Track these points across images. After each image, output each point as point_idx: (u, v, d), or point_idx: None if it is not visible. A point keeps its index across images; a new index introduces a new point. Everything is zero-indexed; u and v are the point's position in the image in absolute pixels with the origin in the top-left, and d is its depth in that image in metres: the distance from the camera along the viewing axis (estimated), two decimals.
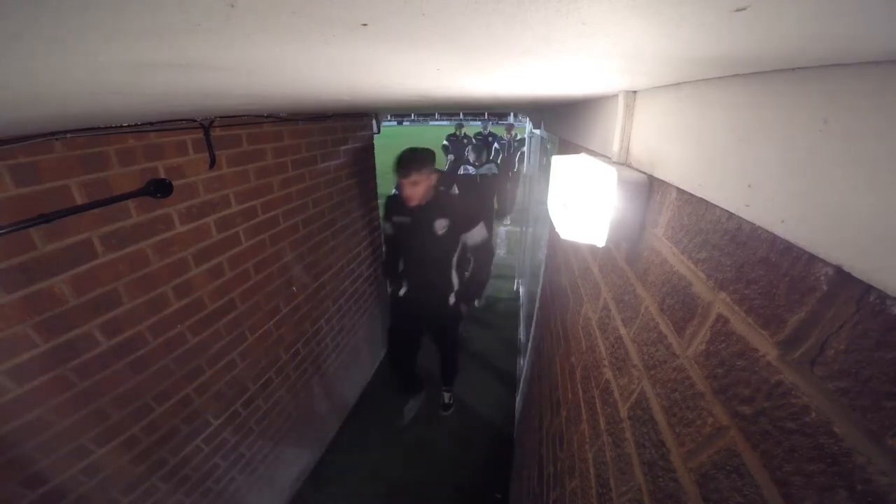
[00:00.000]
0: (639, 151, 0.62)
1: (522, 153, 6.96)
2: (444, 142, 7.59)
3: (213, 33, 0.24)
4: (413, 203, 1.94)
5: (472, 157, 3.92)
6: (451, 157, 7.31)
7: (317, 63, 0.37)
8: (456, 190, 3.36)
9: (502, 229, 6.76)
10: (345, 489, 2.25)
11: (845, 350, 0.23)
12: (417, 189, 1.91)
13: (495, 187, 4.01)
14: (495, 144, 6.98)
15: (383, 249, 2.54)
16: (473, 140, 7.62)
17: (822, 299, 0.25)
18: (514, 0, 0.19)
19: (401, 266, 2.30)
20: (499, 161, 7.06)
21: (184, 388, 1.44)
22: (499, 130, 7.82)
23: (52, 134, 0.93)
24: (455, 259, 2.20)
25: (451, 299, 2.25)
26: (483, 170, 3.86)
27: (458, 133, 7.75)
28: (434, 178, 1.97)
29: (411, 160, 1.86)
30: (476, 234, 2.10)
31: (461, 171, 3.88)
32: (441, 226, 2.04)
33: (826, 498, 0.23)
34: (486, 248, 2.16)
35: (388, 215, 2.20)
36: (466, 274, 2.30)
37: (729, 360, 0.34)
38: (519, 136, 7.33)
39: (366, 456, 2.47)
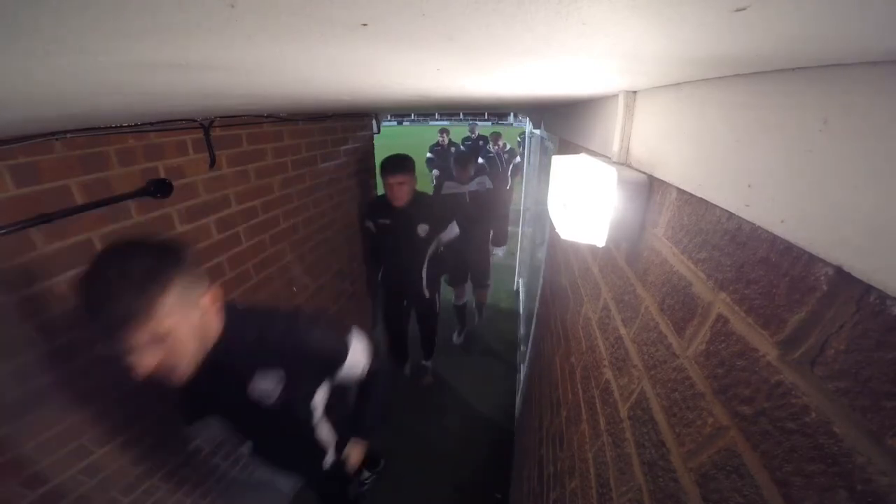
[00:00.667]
0: (639, 151, 0.62)
1: (516, 165, 6.04)
2: (429, 154, 6.42)
3: (213, 33, 0.24)
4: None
5: (454, 171, 2.93)
6: (435, 172, 5.97)
7: (317, 63, 0.37)
8: (455, 229, 2.34)
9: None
10: None
11: (845, 350, 0.23)
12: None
13: (491, 206, 3.06)
14: (480, 160, 5.78)
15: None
16: (461, 147, 6.50)
17: (822, 299, 0.25)
18: (514, 0, 0.19)
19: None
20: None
21: None
22: (486, 132, 7.02)
23: (52, 134, 0.93)
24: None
25: (329, 458, 1.27)
26: (473, 185, 2.91)
27: (442, 142, 6.26)
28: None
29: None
30: (351, 368, 1.07)
31: (445, 189, 2.94)
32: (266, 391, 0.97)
33: (826, 498, 0.23)
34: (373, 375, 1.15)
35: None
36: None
37: (729, 360, 0.34)
38: (508, 147, 6.62)
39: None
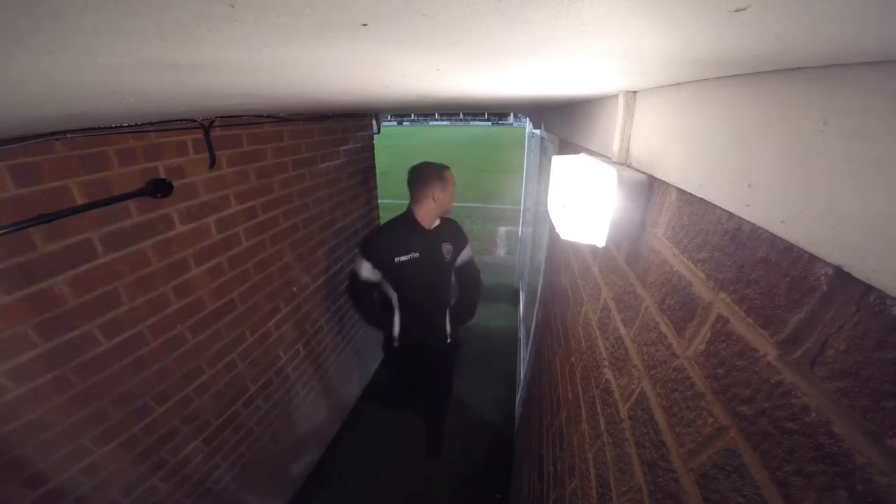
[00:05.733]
0: (639, 152, 0.62)
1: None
2: None
3: (212, 34, 0.24)
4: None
5: None
6: None
7: (317, 63, 0.37)
8: None
9: (502, 229, 6.78)
10: (345, 489, 2.25)
11: (845, 350, 0.23)
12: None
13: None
14: None
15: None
16: None
17: (822, 299, 0.25)
18: (514, 1, 0.19)
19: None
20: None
21: (184, 389, 1.44)
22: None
23: (52, 134, 0.93)
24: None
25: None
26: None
27: None
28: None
29: None
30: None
31: None
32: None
33: (826, 498, 0.23)
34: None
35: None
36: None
37: (729, 361, 0.34)
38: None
39: (366, 455, 2.47)
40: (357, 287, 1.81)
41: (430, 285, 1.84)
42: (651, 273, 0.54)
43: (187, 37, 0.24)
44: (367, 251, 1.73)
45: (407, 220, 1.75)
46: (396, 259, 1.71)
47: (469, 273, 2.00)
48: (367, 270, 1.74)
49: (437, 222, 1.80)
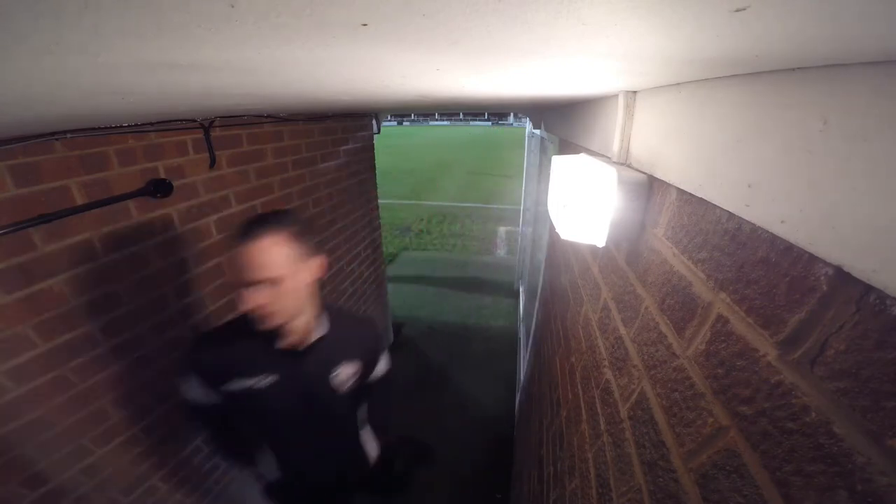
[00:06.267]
0: (639, 152, 0.62)
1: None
2: None
3: (212, 34, 0.24)
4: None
5: None
6: None
7: (317, 63, 0.37)
8: None
9: (502, 229, 6.78)
10: None
11: (845, 350, 0.23)
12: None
13: None
14: None
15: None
16: None
17: (822, 299, 0.25)
18: (514, 1, 0.19)
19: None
20: None
21: None
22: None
23: (52, 134, 0.93)
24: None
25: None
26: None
27: None
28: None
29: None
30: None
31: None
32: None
33: (826, 498, 0.23)
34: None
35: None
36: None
37: (729, 361, 0.34)
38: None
39: None
40: (191, 414, 1.06)
41: (311, 430, 1.06)
42: (651, 273, 0.54)
43: (187, 37, 0.24)
44: (189, 364, 0.96)
45: (254, 324, 0.88)
46: (233, 386, 0.93)
47: (376, 389, 1.22)
48: (194, 390, 0.97)
49: (322, 330, 0.98)
